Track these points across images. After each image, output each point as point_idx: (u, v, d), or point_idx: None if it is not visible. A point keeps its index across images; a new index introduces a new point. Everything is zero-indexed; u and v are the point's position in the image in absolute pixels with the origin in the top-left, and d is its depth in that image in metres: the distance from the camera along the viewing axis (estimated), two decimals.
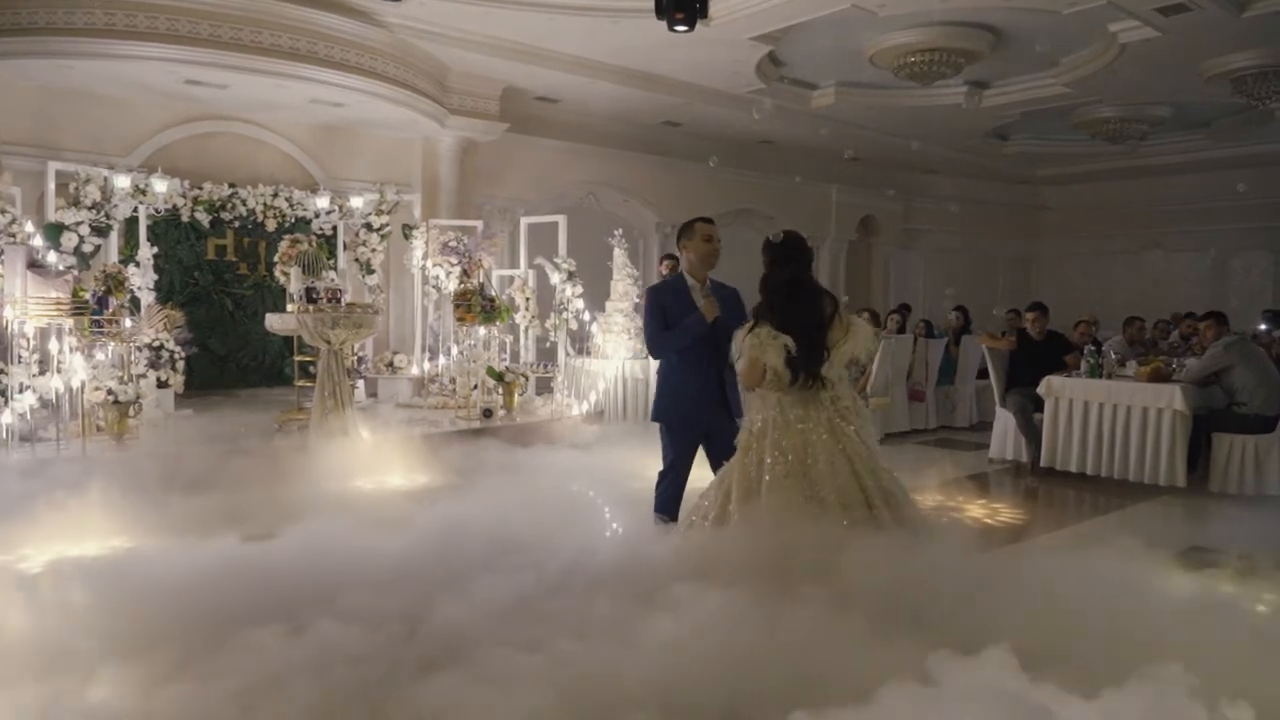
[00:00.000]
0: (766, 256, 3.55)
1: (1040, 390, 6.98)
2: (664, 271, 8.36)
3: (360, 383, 8.31)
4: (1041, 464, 6.92)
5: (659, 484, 4.22)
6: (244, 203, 8.83)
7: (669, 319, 4.02)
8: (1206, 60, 8.92)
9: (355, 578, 3.38)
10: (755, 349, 3.37)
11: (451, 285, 8.68)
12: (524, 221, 9.40)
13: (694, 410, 4.05)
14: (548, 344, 8.88)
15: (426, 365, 9.02)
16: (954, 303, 10.44)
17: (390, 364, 9.01)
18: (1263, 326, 7.74)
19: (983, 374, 9.78)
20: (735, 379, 4.06)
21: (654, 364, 8.33)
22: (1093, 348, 6.88)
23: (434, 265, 8.92)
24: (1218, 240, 14.46)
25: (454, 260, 8.80)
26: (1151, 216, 15.01)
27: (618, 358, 8.42)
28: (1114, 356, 7.02)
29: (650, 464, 6.82)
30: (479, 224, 9.44)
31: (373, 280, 9.11)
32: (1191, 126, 12.22)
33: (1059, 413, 6.85)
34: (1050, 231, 16.51)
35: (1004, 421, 7.43)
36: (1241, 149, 12.64)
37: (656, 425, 8.16)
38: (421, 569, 3.59)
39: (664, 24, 6.86)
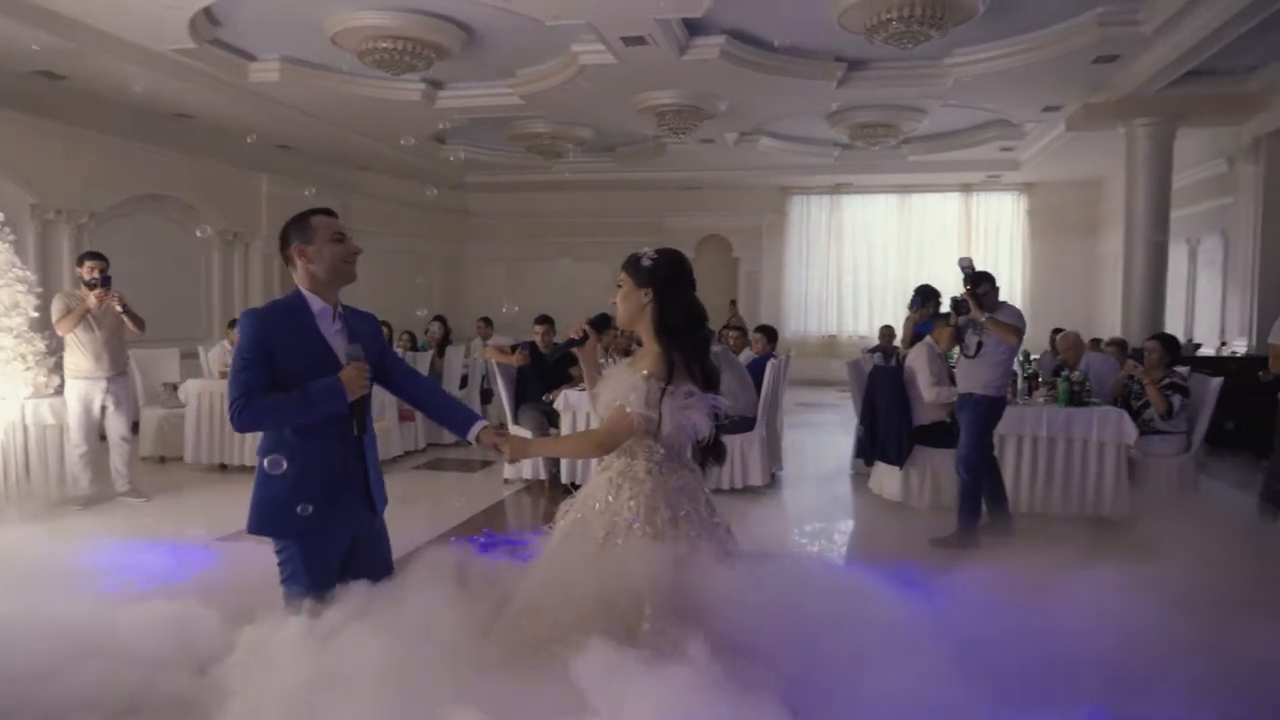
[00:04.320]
0: (658, 279, 2.62)
1: (558, 405, 6.87)
2: (89, 276, 6.02)
3: None
4: (563, 480, 6.81)
5: None
6: None
7: (279, 368, 2.57)
8: (643, 93, 9.89)
9: None
10: (680, 414, 2.50)
11: None
12: None
13: (327, 510, 2.64)
14: None
15: None
16: (432, 314, 9.94)
17: None
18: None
19: (463, 384, 9.48)
20: (374, 445, 2.86)
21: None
22: (603, 360, 6.98)
23: None
24: (615, 252, 16.49)
25: None
26: (563, 228, 16.53)
27: (14, 398, 5.92)
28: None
29: (97, 570, 4.90)
30: None
31: None
32: (602, 150, 13.64)
33: (575, 427, 6.81)
34: (476, 236, 17.10)
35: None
36: (638, 174, 14.57)
37: (130, 498, 5.86)
38: None
39: None
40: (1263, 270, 9.26)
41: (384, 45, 8.22)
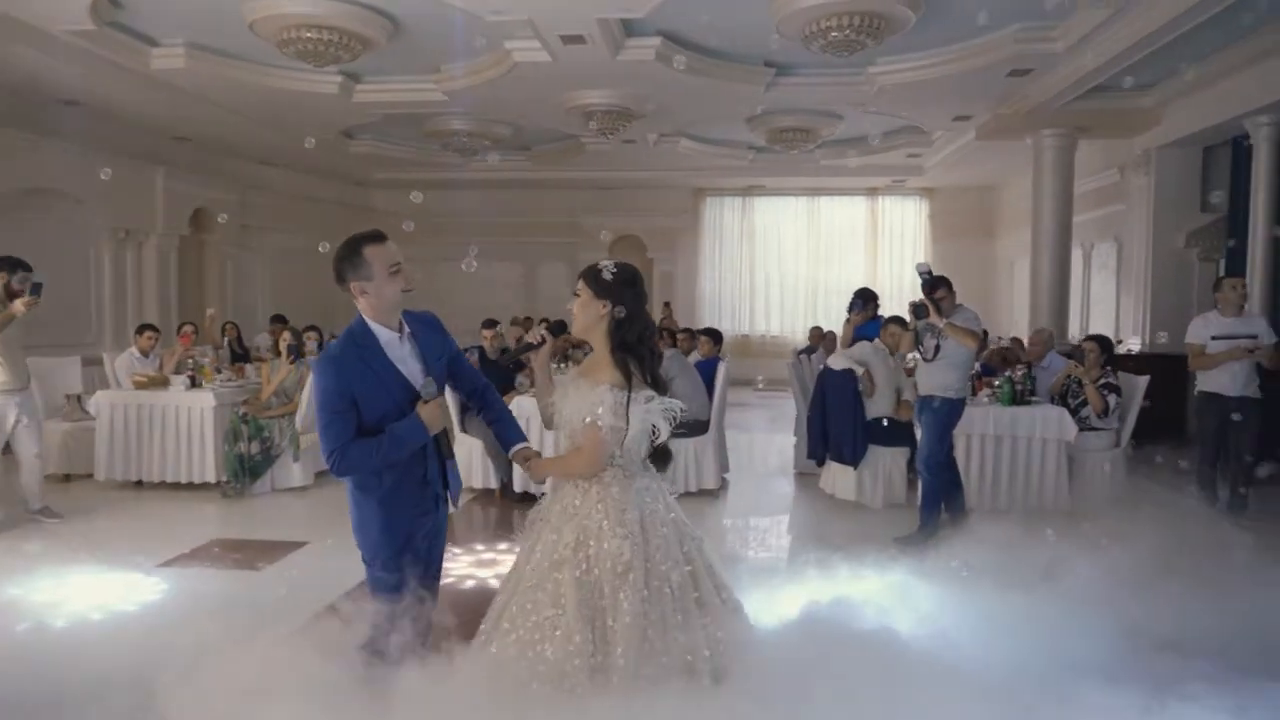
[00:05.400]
0: (615, 293, 2.65)
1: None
2: (20, 286, 5.43)
3: None
4: (516, 489, 6.65)
5: None
6: None
7: (363, 407, 2.61)
8: (573, 91, 9.76)
9: None
10: (647, 420, 2.59)
11: None
12: None
13: (419, 530, 2.81)
14: None
15: None
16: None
17: None
18: None
19: None
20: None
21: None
22: (560, 364, 6.87)
23: None
24: (529, 252, 16.31)
25: None
26: (475, 227, 16.12)
27: None
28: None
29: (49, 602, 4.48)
30: None
31: None
32: (519, 148, 13.40)
33: (528, 433, 6.65)
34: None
35: (467, 447, 6.94)
36: (555, 173, 14.40)
37: (45, 518, 5.54)
38: None
39: None
40: (1153, 273, 9.96)
41: (307, 35, 7.81)
